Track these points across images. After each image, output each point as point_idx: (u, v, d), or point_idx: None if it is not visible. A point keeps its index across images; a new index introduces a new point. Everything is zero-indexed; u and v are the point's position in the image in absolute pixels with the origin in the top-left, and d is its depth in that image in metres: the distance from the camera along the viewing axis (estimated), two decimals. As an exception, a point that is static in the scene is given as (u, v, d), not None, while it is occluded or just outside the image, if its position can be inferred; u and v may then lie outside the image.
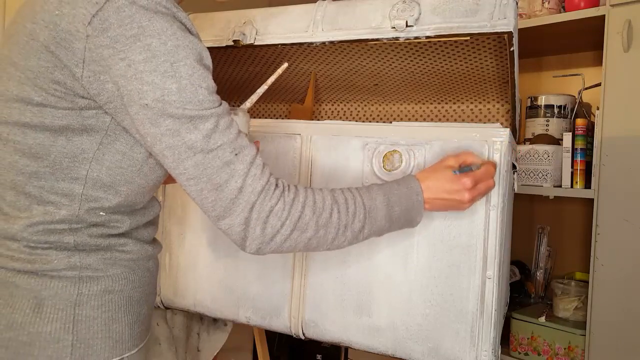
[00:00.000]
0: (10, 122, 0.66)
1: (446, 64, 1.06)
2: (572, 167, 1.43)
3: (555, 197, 1.46)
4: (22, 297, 0.66)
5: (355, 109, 1.37)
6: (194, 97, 0.64)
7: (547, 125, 1.52)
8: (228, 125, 0.67)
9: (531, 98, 1.57)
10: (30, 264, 0.67)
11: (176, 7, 0.66)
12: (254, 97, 0.97)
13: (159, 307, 1.21)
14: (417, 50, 1.02)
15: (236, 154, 0.67)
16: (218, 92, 0.68)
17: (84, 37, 0.61)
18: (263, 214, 0.68)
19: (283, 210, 0.69)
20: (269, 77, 0.96)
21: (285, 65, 0.95)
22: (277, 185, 0.71)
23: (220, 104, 0.68)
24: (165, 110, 0.63)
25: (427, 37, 0.91)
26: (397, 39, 0.94)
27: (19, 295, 0.66)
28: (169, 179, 0.83)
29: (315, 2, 1.04)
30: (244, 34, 1.06)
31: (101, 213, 0.70)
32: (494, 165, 0.87)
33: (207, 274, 1.13)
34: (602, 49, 1.32)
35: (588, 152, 1.42)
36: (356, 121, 1.31)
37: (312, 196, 0.73)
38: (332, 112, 1.40)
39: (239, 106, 0.96)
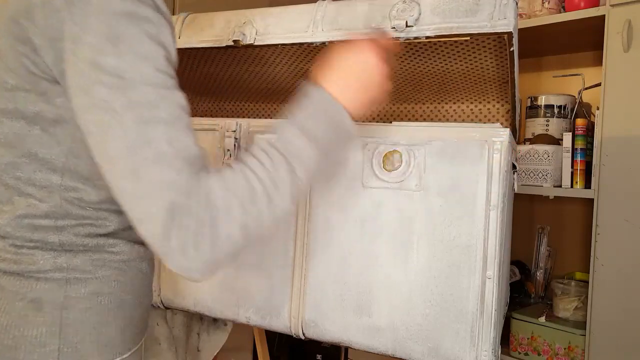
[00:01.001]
0: None
1: (446, 64, 1.06)
2: (572, 167, 1.43)
3: (555, 197, 1.46)
4: (8, 299, 0.64)
5: (355, 109, 1.36)
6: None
7: (547, 125, 1.53)
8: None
9: (531, 98, 1.57)
10: (16, 264, 0.65)
11: None
12: None
13: (159, 307, 1.21)
14: (417, 51, 1.02)
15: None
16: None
17: (40, 4, 0.59)
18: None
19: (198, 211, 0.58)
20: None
21: None
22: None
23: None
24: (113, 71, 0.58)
25: (427, 37, 0.91)
26: (397, 39, 0.94)
27: (4, 297, 0.64)
28: None
29: (315, 2, 1.04)
30: (244, 34, 1.06)
31: (86, 207, 0.67)
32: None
33: (207, 274, 1.13)
34: (602, 49, 1.32)
35: (588, 152, 1.42)
36: (356, 121, 1.31)
37: (218, 175, 0.61)
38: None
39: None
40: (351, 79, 0.70)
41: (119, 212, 0.69)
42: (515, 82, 1.00)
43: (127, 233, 0.72)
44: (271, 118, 1.48)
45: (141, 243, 0.74)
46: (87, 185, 0.67)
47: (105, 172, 0.60)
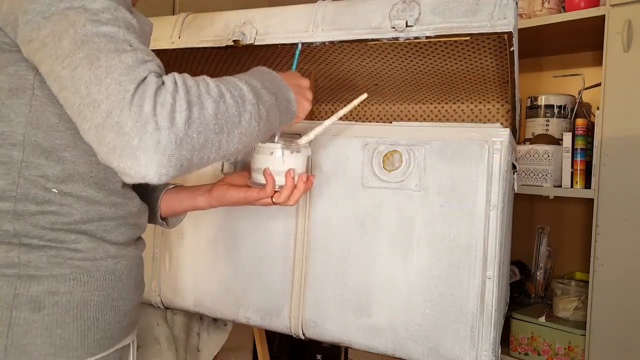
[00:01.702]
0: None
1: (446, 64, 1.06)
2: (572, 167, 1.43)
3: (555, 197, 1.46)
4: None
5: (355, 109, 1.37)
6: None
7: (547, 125, 1.53)
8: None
9: (531, 98, 1.57)
10: None
11: None
12: (318, 130, 0.88)
13: (159, 307, 1.21)
14: (417, 51, 1.02)
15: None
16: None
17: None
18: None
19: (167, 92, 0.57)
20: (342, 107, 0.90)
21: (365, 95, 0.89)
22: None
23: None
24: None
25: (427, 37, 0.91)
26: (397, 39, 0.94)
27: None
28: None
29: (315, 2, 1.04)
30: (244, 34, 1.06)
31: (50, 188, 0.63)
32: None
33: (207, 274, 1.13)
34: (602, 49, 1.32)
35: (588, 152, 1.42)
36: (356, 121, 1.31)
37: (184, 78, 0.60)
38: (332, 112, 1.40)
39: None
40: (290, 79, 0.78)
41: (86, 200, 0.66)
42: (515, 82, 1.00)
43: (94, 227, 0.67)
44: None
45: (113, 243, 0.70)
46: (50, 159, 0.63)
47: (71, 106, 0.57)
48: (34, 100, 0.62)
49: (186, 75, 0.61)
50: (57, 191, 0.64)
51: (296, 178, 0.84)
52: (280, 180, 0.83)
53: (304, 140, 0.87)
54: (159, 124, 0.53)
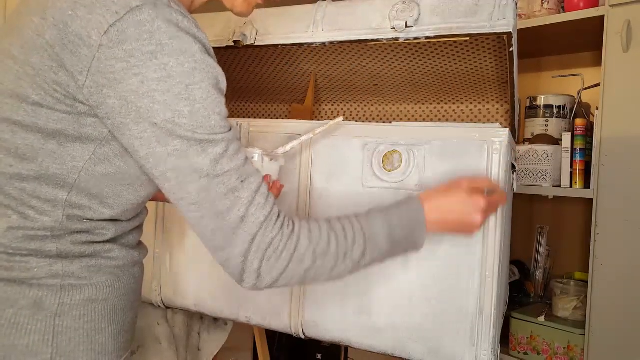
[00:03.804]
0: (0, 118, 0.62)
1: (446, 64, 1.06)
2: (572, 167, 1.44)
3: (554, 197, 1.47)
4: None
5: (355, 109, 1.37)
6: (206, 122, 0.61)
7: (547, 125, 1.53)
8: (237, 150, 0.65)
9: (530, 98, 1.57)
10: (7, 271, 0.62)
11: (197, 27, 0.63)
12: (294, 143, 0.95)
13: (159, 306, 1.21)
14: (416, 51, 1.02)
15: (242, 181, 0.64)
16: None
17: (95, 45, 0.57)
18: (263, 245, 0.65)
19: (280, 241, 0.66)
20: (318, 126, 0.96)
21: (340, 118, 0.96)
22: (278, 215, 0.67)
23: (230, 129, 0.65)
24: (175, 132, 0.60)
25: (427, 37, 0.92)
26: (396, 39, 0.94)
27: None
28: (158, 195, 0.82)
29: (315, 2, 1.04)
30: (244, 35, 1.07)
31: (85, 221, 0.66)
32: (504, 192, 0.85)
33: (207, 274, 1.13)
34: (602, 49, 1.32)
35: (587, 152, 1.42)
36: (356, 121, 1.32)
37: (308, 225, 0.70)
38: (332, 112, 1.40)
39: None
40: (448, 215, 0.78)
41: (117, 222, 0.70)
42: (515, 82, 1.00)
43: (123, 239, 0.72)
44: (271, 118, 1.48)
45: (134, 247, 0.75)
46: (93, 203, 0.66)
47: (182, 208, 0.65)
48: (98, 149, 0.64)
49: (306, 226, 0.70)
50: (92, 221, 0.67)
51: (271, 184, 0.90)
52: None
53: (281, 150, 0.94)
54: (260, 278, 0.66)
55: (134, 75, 0.58)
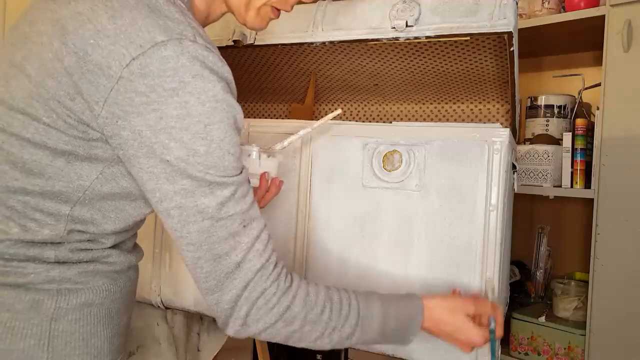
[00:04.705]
0: (9, 132, 0.61)
1: (446, 64, 1.06)
2: (572, 167, 1.43)
3: (555, 197, 1.46)
4: None
5: (356, 108, 1.37)
6: (220, 162, 0.61)
7: (547, 125, 1.53)
8: (245, 194, 0.64)
9: (531, 98, 1.57)
10: (3, 276, 0.61)
11: (221, 60, 0.62)
12: (292, 139, 0.94)
13: (159, 306, 1.21)
14: (417, 51, 1.02)
15: (244, 226, 0.64)
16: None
17: (115, 76, 0.56)
18: (254, 294, 0.64)
19: (274, 295, 0.65)
20: (317, 120, 0.96)
21: (339, 111, 0.95)
22: (275, 265, 0.67)
23: (242, 171, 0.65)
24: (186, 170, 0.59)
25: (427, 37, 0.91)
26: (397, 39, 0.94)
27: None
28: None
29: (315, 2, 1.04)
30: (244, 34, 1.06)
31: (86, 233, 0.66)
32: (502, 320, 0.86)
33: (207, 274, 1.13)
34: (602, 49, 1.32)
35: (588, 152, 1.42)
36: (356, 121, 1.32)
37: (306, 288, 0.69)
38: (332, 112, 1.40)
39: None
40: (444, 327, 0.79)
41: (117, 233, 0.70)
42: (515, 82, 1.00)
43: (121, 245, 0.72)
44: (271, 118, 1.48)
45: (131, 251, 0.75)
46: (96, 217, 0.66)
47: (181, 246, 0.65)
48: (106, 169, 0.63)
49: (304, 288, 0.69)
50: (91, 234, 0.67)
51: (269, 181, 0.89)
52: (254, 182, 0.88)
53: (278, 146, 0.93)
54: (246, 325, 0.66)
55: (152, 110, 0.57)
